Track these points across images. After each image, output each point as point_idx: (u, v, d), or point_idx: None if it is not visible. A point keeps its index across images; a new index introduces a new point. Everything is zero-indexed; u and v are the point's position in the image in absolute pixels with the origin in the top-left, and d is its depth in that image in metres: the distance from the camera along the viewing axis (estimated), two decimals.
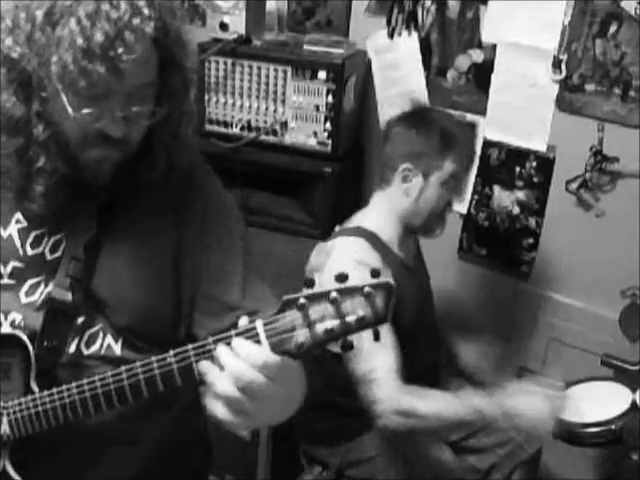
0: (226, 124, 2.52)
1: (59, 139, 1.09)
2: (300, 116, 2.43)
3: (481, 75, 2.49)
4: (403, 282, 1.93)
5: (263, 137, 2.48)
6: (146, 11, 1.05)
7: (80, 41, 1.00)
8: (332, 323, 0.96)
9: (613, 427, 1.87)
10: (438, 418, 1.79)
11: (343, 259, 1.88)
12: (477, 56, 2.48)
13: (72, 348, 1.20)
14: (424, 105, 2.20)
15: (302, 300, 0.97)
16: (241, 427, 1.04)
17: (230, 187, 2.57)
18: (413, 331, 1.93)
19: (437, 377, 2.22)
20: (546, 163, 2.46)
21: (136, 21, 1.03)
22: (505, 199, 2.56)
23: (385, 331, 1.80)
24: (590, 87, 2.32)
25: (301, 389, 1.15)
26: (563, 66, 2.34)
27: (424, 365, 2.09)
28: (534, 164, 2.48)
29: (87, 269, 1.19)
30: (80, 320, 1.20)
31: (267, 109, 2.46)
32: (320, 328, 0.96)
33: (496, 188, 2.57)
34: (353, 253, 1.89)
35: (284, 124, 2.45)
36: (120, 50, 1.02)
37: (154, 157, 1.17)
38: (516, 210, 2.55)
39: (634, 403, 1.91)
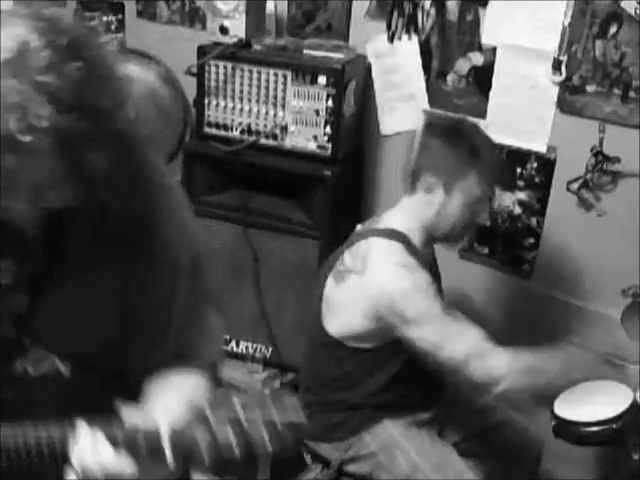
0: (226, 127, 2.54)
1: None
2: (300, 120, 2.45)
3: (481, 78, 2.50)
4: None
5: (263, 140, 2.50)
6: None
7: None
8: (235, 450, 0.98)
9: (613, 427, 1.87)
10: (556, 369, 1.87)
11: (384, 262, 1.94)
12: (477, 59, 2.49)
13: (19, 368, 1.19)
14: (461, 121, 2.19)
15: (212, 420, 0.98)
16: None
17: (230, 189, 2.63)
18: None
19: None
20: (547, 164, 2.46)
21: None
22: (506, 199, 2.57)
23: (455, 311, 1.92)
24: (590, 88, 2.32)
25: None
26: (563, 67, 2.34)
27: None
28: (535, 165, 2.49)
29: (31, 304, 1.17)
30: (27, 342, 1.19)
31: (267, 113, 2.48)
32: (223, 453, 0.98)
33: (497, 189, 2.57)
34: (392, 255, 1.95)
35: (284, 128, 2.47)
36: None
37: (77, 224, 1.14)
38: (517, 210, 2.56)
39: (635, 402, 1.91)
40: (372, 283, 1.94)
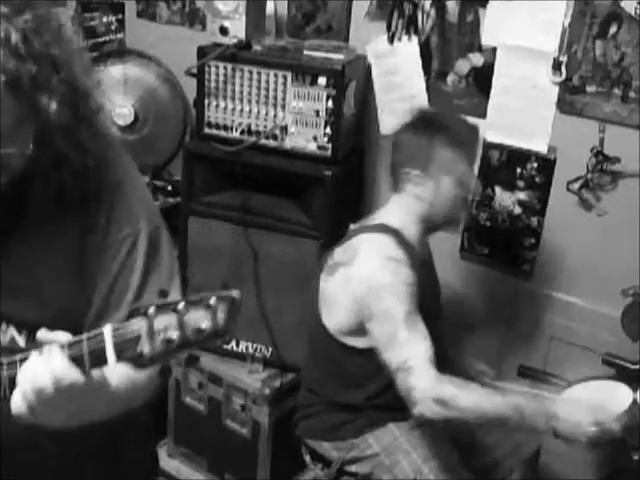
0: (226, 128, 2.54)
1: None
2: (300, 121, 2.45)
3: (481, 78, 2.50)
4: (423, 277, 2.02)
5: (263, 141, 2.50)
6: None
7: None
8: (173, 334, 0.96)
9: (613, 427, 1.88)
10: (477, 411, 1.78)
11: (371, 255, 1.96)
12: (477, 60, 2.49)
13: None
14: (427, 110, 2.23)
15: (150, 310, 0.97)
16: (24, 419, 1.05)
17: (230, 189, 2.63)
18: (429, 323, 1.95)
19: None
20: (547, 164, 2.47)
21: None
22: (506, 199, 2.57)
23: (417, 320, 1.87)
24: (591, 88, 2.33)
25: (99, 408, 1.13)
26: (563, 68, 2.35)
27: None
28: (535, 165, 2.49)
29: None
30: None
31: (267, 114, 2.48)
32: (162, 339, 0.96)
33: (497, 189, 2.58)
34: (381, 249, 1.96)
35: (284, 129, 2.47)
36: None
37: (35, 180, 1.16)
38: (517, 210, 2.56)
39: (635, 402, 1.92)
40: (356, 274, 1.96)
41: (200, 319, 0.96)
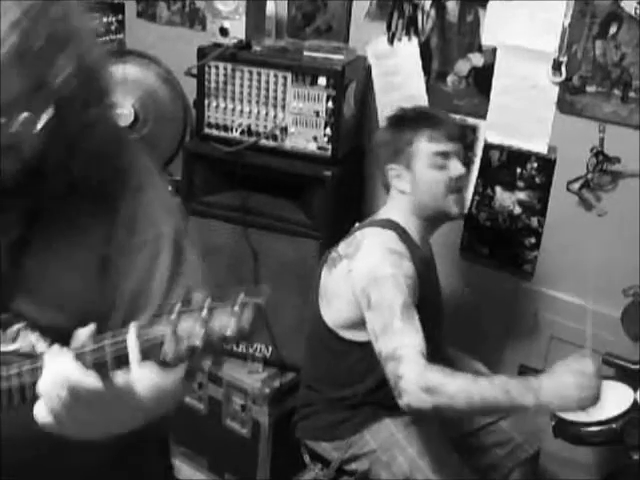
0: (226, 128, 2.54)
1: None
2: (300, 121, 2.45)
3: (481, 79, 2.50)
4: (425, 274, 2.03)
5: (263, 141, 2.51)
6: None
7: None
8: (197, 338, 0.95)
9: (614, 426, 1.88)
10: (466, 397, 1.73)
11: (374, 247, 1.98)
12: (477, 60, 2.50)
13: None
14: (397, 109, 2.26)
15: (174, 312, 0.96)
16: (52, 430, 1.03)
17: (230, 189, 2.63)
18: (429, 319, 1.95)
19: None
20: (547, 164, 2.47)
21: None
22: (507, 199, 2.57)
23: (413, 313, 1.87)
24: (591, 88, 2.33)
25: (128, 418, 1.11)
26: (563, 68, 2.35)
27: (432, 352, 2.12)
28: (535, 165, 2.49)
29: (11, 269, 1.18)
30: (3, 317, 1.19)
31: (267, 114, 2.48)
32: (185, 342, 0.95)
33: (497, 189, 2.58)
34: (383, 242, 1.98)
35: (284, 129, 2.47)
36: None
37: (48, 168, 1.14)
38: (518, 210, 2.56)
39: (635, 402, 1.92)
40: (359, 266, 1.97)
41: (224, 323, 0.94)
